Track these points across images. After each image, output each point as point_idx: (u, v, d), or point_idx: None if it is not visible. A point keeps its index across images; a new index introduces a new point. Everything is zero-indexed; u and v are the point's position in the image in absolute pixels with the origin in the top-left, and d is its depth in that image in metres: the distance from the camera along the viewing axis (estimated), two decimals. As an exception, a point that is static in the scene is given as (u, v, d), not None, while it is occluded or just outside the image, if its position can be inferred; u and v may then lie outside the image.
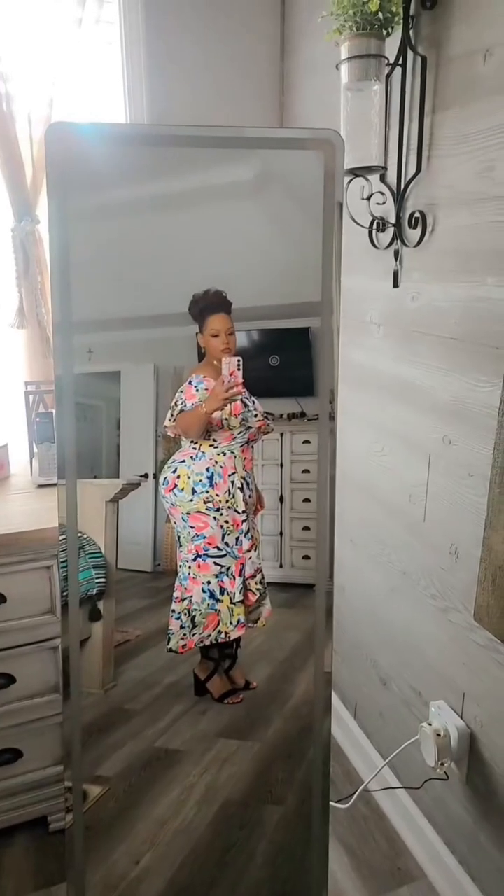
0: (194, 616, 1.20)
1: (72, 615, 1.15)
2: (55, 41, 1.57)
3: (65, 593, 1.13)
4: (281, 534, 1.28)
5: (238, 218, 1.17)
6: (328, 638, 1.18)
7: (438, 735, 1.31)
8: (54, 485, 1.56)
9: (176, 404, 1.15)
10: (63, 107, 1.60)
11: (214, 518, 1.17)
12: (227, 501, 1.16)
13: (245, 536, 1.19)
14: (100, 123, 1.19)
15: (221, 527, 1.17)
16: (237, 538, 1.18)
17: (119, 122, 1.72)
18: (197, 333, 1.14)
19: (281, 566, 1.28)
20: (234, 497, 1.17)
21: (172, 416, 1.16)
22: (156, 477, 1.23)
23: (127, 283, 1.17)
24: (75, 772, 1.19)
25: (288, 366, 1.26)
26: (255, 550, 1.21)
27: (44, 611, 1.44)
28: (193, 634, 1.20)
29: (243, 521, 1.18)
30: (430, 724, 1.34)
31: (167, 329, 1.22)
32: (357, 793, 1.53)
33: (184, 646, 1.21)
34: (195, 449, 1.16)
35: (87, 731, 1.20)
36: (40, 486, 1.59)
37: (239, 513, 1.17)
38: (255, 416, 1.16)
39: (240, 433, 1.16)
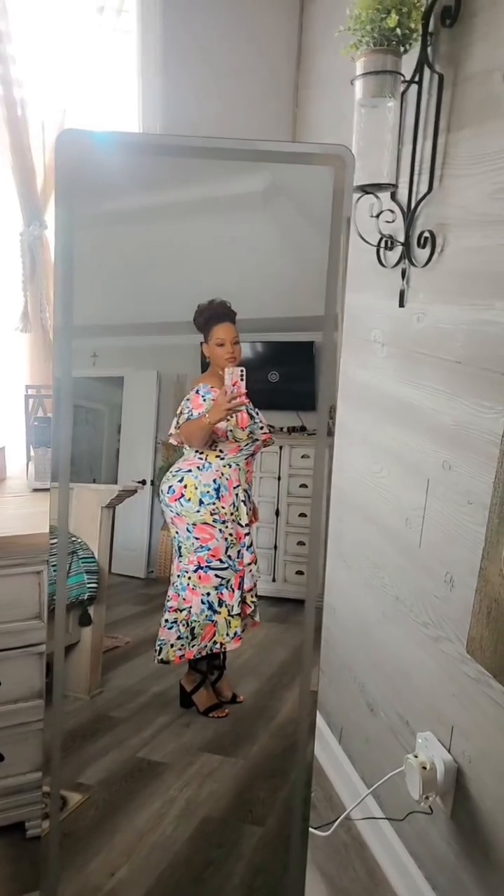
0: (193, 627, 1.19)
1: (58, 619, 1.14)
2: (71, 49, 1.57)
3: (53, 597, 1.12)
4: (275, 548, 1.28)
5: (245, 229, 1.17)
6: (316, 656, 1.16)
7: (424, 768, 1.27)
8: (49, 489, 1.56)
9: (182, 413, 1.15)
10: (77, 114, 1.60)
11: (220, 531, 1.16)
12: (231, 514, 1.16)
13: (247, 549, 1.18)
14: (111, 131, 1.19)
15: (226, 539, 1.17)
16: (239, 551, 1.18)
17: (130, 130, 1.72)
18: (202, 343, 1.14)
19: (274, 580, 1.29)
20: (237, 510, 1.16)
21: (178, 424, 1.15)
22: (153, 483, 1.23)
23: (133, 290, 1.18)
24: (54, 778, 1.18)
25: (290, 379, 1.25)
26: (255, 564, 1.20)
27: (31, 616, 1.43)
28: (192, 646, 1.20)
29: (246, 534, 1.18)
30: (416, 756, 1.31)
31: (171, 337, 1.23)
32: (338, 821, 1.50)
33: (181, 656, 1.21)
34: (201, 459, 1.15)
35: (70, 736, 1.20)
36: (35, 489, 1.59)
37: (242, 525, 1.17)
38: (261, 428, 1.15)
39: (246, 445, 1.15)
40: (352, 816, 1.59)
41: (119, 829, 1.22)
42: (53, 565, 1.12)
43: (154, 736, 1.26)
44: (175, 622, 1.20)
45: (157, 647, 1.22)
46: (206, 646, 1.20)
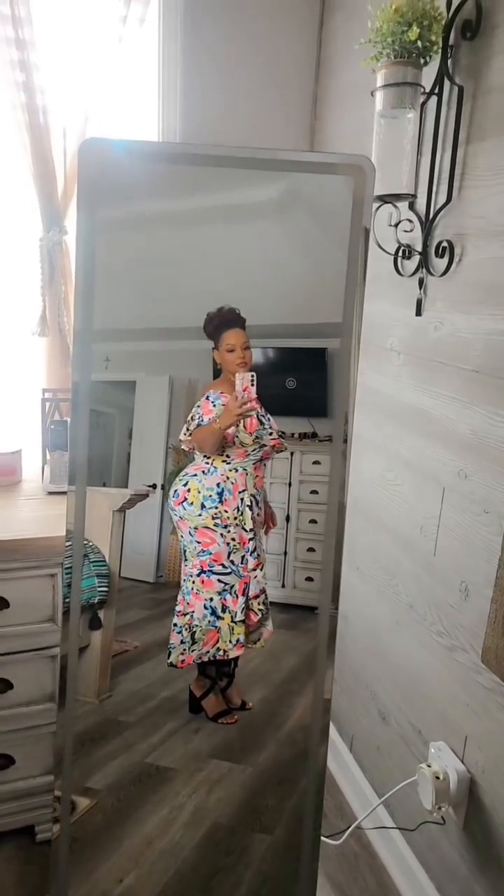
0: (195, 632, 1.19)
1: (72, 623, 1.14)
2: (93, 57, 1.59)
3: (67, 600, 1.13)
4: (285, 553, 1.28)
5: (260, 236, 1.18)
6: (329, 663, 1.16)
7: (437, 778, 1.27)
8: (64, 492, 1.57)
9: (192, 419, 1.15)
10: (98, 121, 1.62)
11: (221, 535, 1.16)
12: (235, 518, 1.16)
13: (251, 555, 1.17)
14: (132, 140, 1.20)
15: (228, 544, 1.16)
16: (243, 556, 1.17)
17: (151, 138, 1.74)
18: (213, 349, 1.14)
19: (283, 586, 1.28)
20: (242, 514, 1.16)
21: (188, 430, 1.16)
22: (164, 488, 1.23)
23: (148, 295, 1.18)
24: (65, 781, 1.18)
25: (303, 385, 1.26)
26: (261, 570, 1.20)
27: (45, 618, 1.44)
28: (193, 650, 1.20)
29: (250, 539, 1.17)
30: (429, 766, 1.30)
31: (184, 342, 1.23)
32: (349, 830, 1.49)
33: (183, 661, 1.21)
34: (208, 464, 1.16)
35: (79, 740, 1.20)
36: (50, 492, 1.60)
37: (246, 531, 1.16)
38: (270, 433, 1.15)
39: (253, 450, 1.15)
40: (363, 825, 1.58)
41: (127, 834, 1.22)
42: (67, 568, 1.13)
43: (163, 741, 1.25)
44: (180, 626, 1.20)
45: (168, 651, 1.22)
46: (208, 651, 1.19)
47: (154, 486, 1.25)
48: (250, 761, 1.26)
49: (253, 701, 1.27)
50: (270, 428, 1.16)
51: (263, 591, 1.21)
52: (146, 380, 1.24)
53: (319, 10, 1.79)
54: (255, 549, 1.18)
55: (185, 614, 1.19)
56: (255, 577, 1.18)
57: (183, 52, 1.67)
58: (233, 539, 1.16)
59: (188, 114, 1.71)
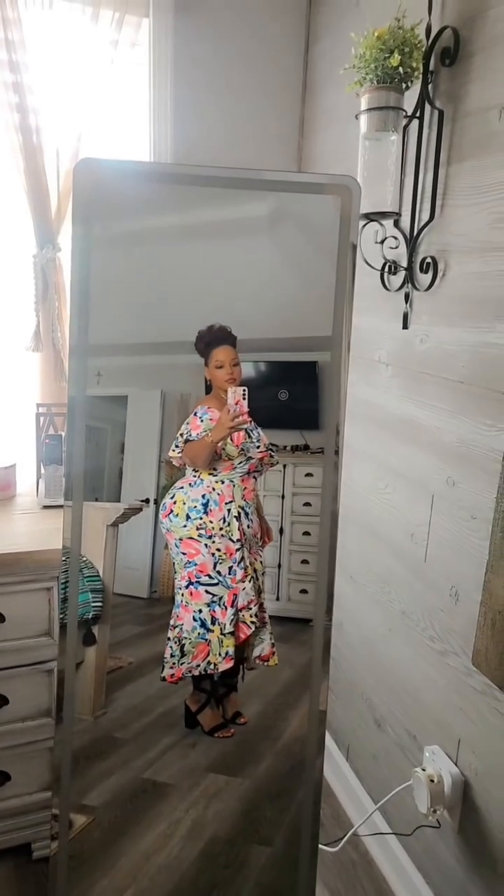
0: (184, 644, 1.19)
1: (69, 638, 1.14)
2: (86, 79, 1.63)
3: (63, 616, 1.13)
4: (279, 566, 1.28)
5: (250, 251, 1.20)
6: (324, 675, 1.17)
7: (432, 781, 1.29)
8: (59, 506, 1.58)
9: (181, 435, 1.17)
10: (90, 140, 1.66)
11: (206, 545, 1.17)
12: (220, 529, 1.16)
13: (238, 566, 1.18)
14: (124, 161, 1.23)
15: (213, 554, 1.17)
16: (230, 567, 1.17)
17: (143, 158, 1.78)
18: (205, 366, 1.16)
19: (278, 599, 1.28)
20: (229, 525, 1.17)
21: (177, 445, 1.17)
22: (156, 502, 1.23)
23: (140, 310, 1.19)
24: (63, 799, 1.17)
25: (294, 398, 1.27)
26: (251, 581, 1.20)
27: (41, 632, 1.44)
28: (182, 663, 1.19)
29: (237, 549, 1.17)
30: (423, 770, 1.32)
31: (176, 356, 1.24)
32: (347, 836, 1.50)
33: (172, 675, 1.20)
34: (195, 476, 1.17)
35: (74, 758, 1.18)
36: (45, 506, 1.61)
37: (233, 541, 1.17)
38: (258, 447, 1.17)
39: (240, 463, 1.17)
40: (360, 832, 1.59)
41: (125, 850, 1.21)
42: (63, 583, 1.13)
43: (159, 757, 1.25)
44: (171, 639, 1.20)
45: (162, 665, 1.22)
46: (198, 665, 1.19)
47: (147, 501, 1.24)
48: (247, 774, 1.26)
49: (249, 714, 1.27)
50: (258, 441, 1.17)
51: (254, 602, 1.21)
52: (138, 394, 1.25)
53: (305, 35, 1.85)
54: (242, 560, 1.18)
55: (175, 627, 1.20)
56: (244, 588, 1.18)
57: (174, 75, 1.72)
58: (218, 549, 1.17)
59: (179, 134, 1.75)
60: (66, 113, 1.63)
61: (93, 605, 1.20)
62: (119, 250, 1.14)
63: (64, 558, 1.12)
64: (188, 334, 1.19)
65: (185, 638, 1.19)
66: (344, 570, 1.74)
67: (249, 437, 1.16)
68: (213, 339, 1.13)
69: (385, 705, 1.59)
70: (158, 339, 1.23)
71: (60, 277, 1.69)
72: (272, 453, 1.20)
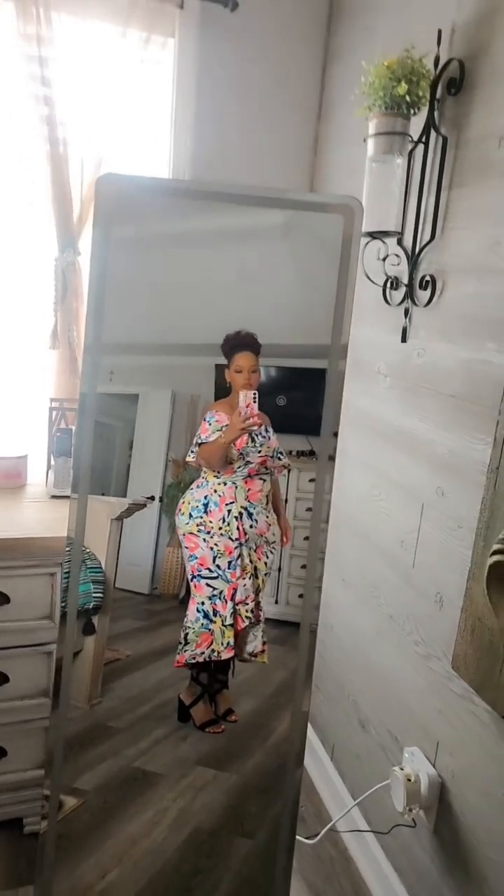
0: (187, 633, 1.25)
1: (69, 626, 1.19)
2: (113, 94, 1.72)
3: (64, 604, 1.18)
4: (279, 570, 1.31)
5: (262, 259, 1.25)
6: (308, 680, 1.20)
7: (409, 780, 1.33)
8: (67, 496, 1.65)
9: (195, 440, 1.23)
10: (114, 151, 1.74)
11: (204, 540, 1.23)
12: (219, 528, 1.22)
13: (237, 562, 1.23)
14: (144, 177, 1.30)
15: (211, 549, 1.23)
16: (230, 562, 1.23)
17: (163, 168, 1.86)
18: (225, 369, 1.21)
19: (277, 602, 1.31)
20: (228, 525, 1.22)
21: (192, 451, 1.23)
22: (161, 500, 1.29)
23: (153, 312, 1.24)
24: (55, 781, 1.21)
25: (300, 404, 1.30)
26: (251, 579, 1.24)
27: (43, 615, 1.50)
28: (185, 651, 1.25)
29: (235, 548, 1.23)
30: (401, 769, 1.36)
31: (187, 357, 1.28)
32: (325, 830, 1.54)
33: (177, 661, 1.25)
34: (202, 478, 1.23)
35: (68, 743, 1.21)
36: (53, 496, 1.68)
37: (232, 540, 1.22)
38: (259, 451, 1.22)
39: (239, 467, 1.22)
40: (340, 829, 1.63)
41: (112, 833, 1.26)
42: (66, 572, 1.17)
43: (150, 747, 1.29)
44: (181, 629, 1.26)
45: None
46: (202, 653, 1.24)
47: (152, 498, 1.28)
48: (235, 769, 1.30)
49: (241, 712, 1.30)
50: (261, 446, 1.21)
51: (251, 598, 1.25)
52: (149, 393, 1.28)
53: (322, 58, 1.93)
54: (240, 557, 1.23)
55: (184, 617, 1.25)
56: (244, 584, 1.23)
57: (196, 92, 1.81)
58: (216, 545, 1.22)
59: (199, 147, 1.84)
60: (92, 125, 1.72)
61: (94, 595, 1.24)
62: (135, 255, 1.18)
63: (68, 548, 1.16)
64: (199, 336, 1.23)
65: (189, 628, 1.24)
66: (337, 574, 1.79)
67: (253, 441, 1.21)
68: (237, 343, 1.18)
69: (370, 706, 1.64)
70: (170, 340, 1.26)
71: (79, 280, 1.77)
72: (280, 457, 1.24)
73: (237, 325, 1.20)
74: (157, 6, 1.69)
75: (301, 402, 1.30)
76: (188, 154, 1.83)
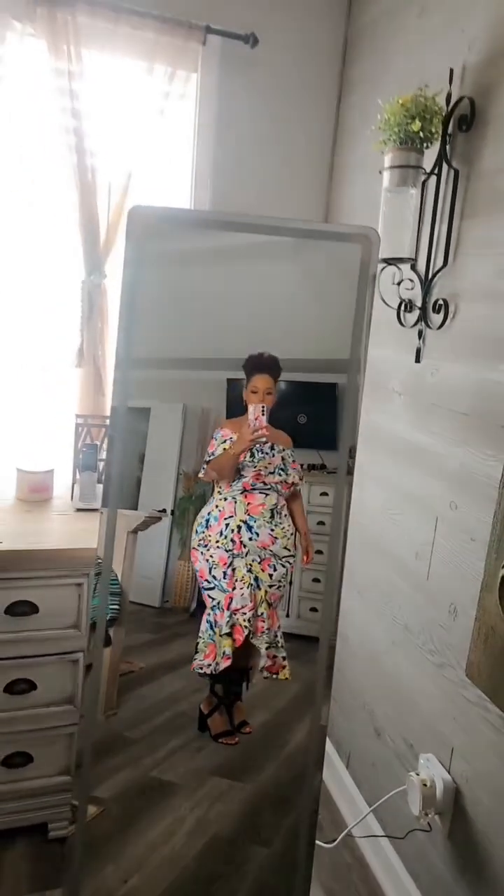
0: (198, 643, 1.29)
1: (97, 638, 1.22)
2: (138, 124, 1.80)
3: (93, 615, 1.20)
4: (290, 583, 1.32)
5: (278, 278, 1.28)
6: (327, 692, 1.24)
7: (425, 785, 1.37)
8: (92, 510, 1.72)
9: (206, 457, 1.28)
10: (139, 177, 1.82)
11: (202, 553, 1.28)
12: (216, 541, 1.27)
13: (230, 571, 1.26)
14: (171, 208, 1.37)
15: (207, 560, 1.28)
16: (224, 573, 1.27)
17: (186, 192, 1.95)
18: (243, 388, 1.25)
19: (288, 615, 1.34)
20: (225, 538, 1.26)
21: (203, 467, 1.28)
22: (173, 513, 1.32)
23: (167, 327, 1.26)
24: (83, 789, 1.25)
25: (313, 418, 1.33)
26: (248, 588, 1.27)
27: (70, 625, 1.56)
28: (194, 660, 1.29)
29: (228, 559, 1.27)
30: (417, 774, 1.40)
31: (199, 372, 1.31)
32: (342, 835, 1.58)
33: (191, 667, 1.30)
34: (211, 496, 1.29)
35: (77, 755, 1.25)
36: (79, 509, 1.74)
37: (226, 552, 1.27)
38: (255, 467, 1.26)
39: (234, 481, 1.27)
40: (356, 835, 1.66)
41: (132, 840, 1.29)
42: (95, 584, 1.21)
43: (166, 758, 1.32)
44: None
45: None
46: (208, 664, 1.28)
47: (164, 511, 1.31)
48: (250, 780, 1.33)
49: (255, 724, 1.33)
50: (258, 462, 1.25)
51: (250, 608, 1.27)
52: (160, 407, 1.31)
53: (338, 91, 2.02)
54: (235, 569, 1.26)
55: (194, 630, 1.30)
56: (241, 594, 1.27)
57: (216, 123, 1.90)
58: (211, 556, 1.27)
59: (219, 176, 1.92)
60: (119, 154, 1.81)
61: (110, 607, 1.27)
62: (150, 273, 1.20)
63: (99, 560, 1.19)
64: (211, 351, 1.26)
65: (199, 637, 1.29)
66: (352, 586, 1.83)
67: (252, 456, 1.25)
68: (256, 364, 1.22)
69: (385, 715, 1.68)
70: (182, 354, 1.29)
71: (105, 302, 1.84)
72: (281, 472, 1.27)
73: (248, 340, 1.23)
74: (182, 43, 1.78)
75: (313, 417, 1.32)
76: (209, 181, 1.92)
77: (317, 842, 1.48)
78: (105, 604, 1.25)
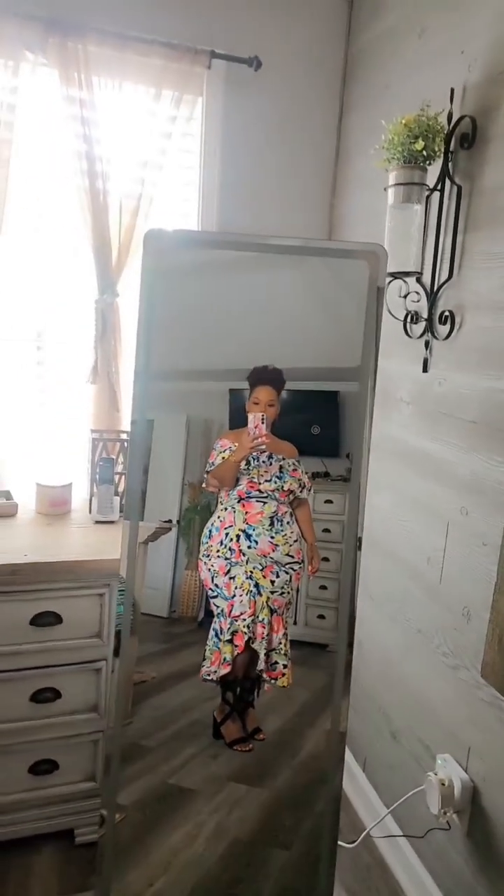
0: (205, 650, 1.32)
1: (123, 648, 1.26)
2: (148, 147, 1.86)
3: (119, 626, 1.23)
4: (297, 591, 1.34)
5: (284, 290, 1.31)
6: (345, 696, 1.26)
7: (443, 784, 1.40)
8: (110, 522, 1.77)
9: (207, 467, 1.32)
10: (149, 198, 1.87)
11: (205, 563, 1.32)
12: (217, 550, 1.30)
13: (229, 579, 1.29)
14: (183, 231, 1.41)
15: (209, 570, 1.31)
16: (224, 580, 1.30)
17: (194, 206, 2.01)
18: (247, 399, 1.27)
19: (295, 623, 1.35)
20: (224, 547, 1.30)
21: (205, 476, 1.32)
22: (179, 523, 1.35)
23: (171, 339, 1.27)
24: (109, 795, 1.29)
25: (317, 426, 1.35)
26: (248, 595, 1.29)
27: (92, 634, 1.60)
28: (202, 666, 1.32)
29: (227, 567, 1.30)
30: (435, 774, 1.44)
31: (203, 383, 1.33)
32: (362, 836, 1.61)
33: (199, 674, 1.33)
34: (214, 507, 1.32)
35: (105, 760, 1.30)
36: (98, 521, 1.79)
37: (226, 560, 1.30)
38: (249, 475, 1.29)
39: (230, 491, 1.30)
40: (376, 835, 1.69)
41: (155, 845, 1.32)
42: (121, 591, 1.23)
43: (183, 765, 1.35)
44: None
45: None
46: (215, 670, 1.31)
47: (170, 522, 1.34)
48: (267, 785, 1.36)
49: (268, 731, 1.36)
50: (264, 470, 1.28)
51: (250, 614, 1.29)
52: (164, 418, 1.32)
53: (339, 109, 2.08)
54: (234, 577, 1.29)
55: (202, 639, 1.33)
56: (241, 600, 1.29)
57: (222, 143, 1.96)
58: (213, 566, 1.30)
59: (225, 193, 1.98)
60: (129, 176, 1.86)
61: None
62: (162, 287, 1.23)
63: (122, 575, 1.22)
64: (214, 362, 1.29)
65: (206, 645, 1.32)
66: (365, 592, 1.87)
67: (248, 465, 1.28)
68: (260, 377, 1.26)
69: (401, 718, 1.71)
70: (186, 366, 1.31)
71: (117, 320, 1.90)
72: (278, 479, 1.29)
73: (252, 351, 1.25)
74: (187, 68, 1.84)
75: (317, 424, 1.34)
76: (216, 199, 1.98)
77: (339, 843, 1.51)
78: (128, 613, 1.28)
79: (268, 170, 2.02)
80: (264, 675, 1.31)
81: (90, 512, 1.83)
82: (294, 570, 1.31)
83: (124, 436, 1.91)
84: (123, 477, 1.83)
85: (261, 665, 1.30)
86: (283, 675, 1.31)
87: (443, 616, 1.53)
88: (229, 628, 1.29)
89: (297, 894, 1.35)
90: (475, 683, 1.40)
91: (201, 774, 1.35)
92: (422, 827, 1.54)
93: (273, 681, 1.31)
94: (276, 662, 1.31)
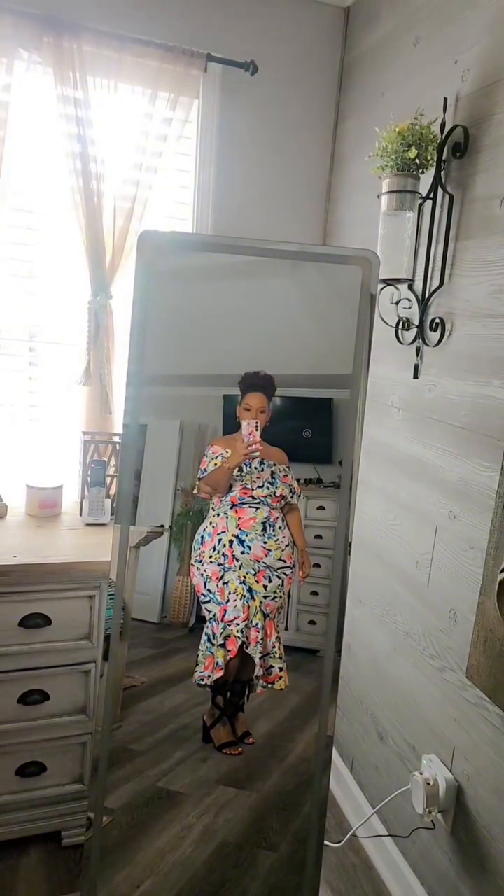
0: (198, 655, 1.32)
1: (112, 651, 1.26)
2: (143, 149, 1.86)
3: (108, 630, 1.23)
4: (289, 597, 1.34)
5: (277, 296, 1.31)
6: (332, 702, 1.27)
7: (428, 783, 1.42)
8: (101, 524, 1.76)
9: (199, 474, 1.31)
10: (143, 199, 1.87)
11: (197, 568, 1.32)
12: (209, 556, 1.31)
13: (223, 585, 1.30)
14: (177, 233, 1.41)
15: (202, 575, 1.31)
16: (217, 585, 1.31)
17: (189, 209, 2.01)
18: (237, 405, 1.27)
19: (286, 629, 1.36)
20: (217, 552, 1.30)
21: (196, 483, 1.31)
22: (171, 529, 1.34)
23: (164, 344, 1.27)
24: (98, 797, 1.28)
25: (308, 431, 1.35)
26: (241, 600, 1.30)
27: (82, 636, 1.59)
28: (195, 672, 1.32)
29: (220, 573, 1.30)
30: (420, 774, 1.46)
31: (196, 388, 1.32)
32: (348, 836, 1.62)
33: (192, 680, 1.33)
34: (206, 514, 1.32)
35: (93, 764, 1.29)
36: (88, 524, 1.78)
37: (219, 566, 1.30)
38: (242, 481, 1.29)
39: (222, 497, 1.30)
40: (361, 835, 1.70)
41: (142, 847, 1.32)
42: (111, 594, 1.23)
43: (172, 768, 1.35)
44: None
45: None
46: (208, 675, 1.31)
47: (162, 527, 1.33)
48: (255, 788, 1.36)
49: (257, 735, 1.36)
50: (257, 476, 1.28)
51: (243, 619, 1.30)
52: (157, 423, 1.31)
53: (334, 115, 2.09)
54: (227, 582, 1.29)
55: (193, 644, 1.32)
56: (234, 605, 1.30)
57: (217, 146, 1.97)
58: (205, 571, 1.31)
59: (220, 197, 1.99)
60: (123, 178, 1.86)
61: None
62: (156, 291, 1.22)
63: (113, 578, 1.21)
64: (207, 367, 1.28)
65: (199, 650, 1.32)
66: (354, 595, 1.89)
67: (240, 471, 1.29)
68: (251, 383, 1.26)
69: (388, 719, 1.73)
70: (180, 371, 1.30)
71: (111, 322, 1.89)
72: (269, 485, 1.29)
73: (245, 357, 1.25)
74: (184, 71, 1.84)
75: (311, 431, 1.34)
76: (210, 202, 1.98)
77: (325, 842, 1.53)
78: (118, 616, 1.28)
79: (263, 174, 2.03)
80: (262, 682, 1.32)
81: (81, 514, 1.83)
82: (286, 575, 1.32)
83: (116, 438, 1.90)
84: (115, 480, 1.83)
85: (258, 671, 1.31)
86: (280, 678, 1.32)
87: (430, 619, 1.55)
88: (222, 633, 1.30)
89: (283, 895, 1.36)
90: (461, 685, 1.42)
91: (190, 778, 1.35)
92: (407, 826, 1.56)
93: (271, 685, 1.32)
94: (272, 666, 1.32)
